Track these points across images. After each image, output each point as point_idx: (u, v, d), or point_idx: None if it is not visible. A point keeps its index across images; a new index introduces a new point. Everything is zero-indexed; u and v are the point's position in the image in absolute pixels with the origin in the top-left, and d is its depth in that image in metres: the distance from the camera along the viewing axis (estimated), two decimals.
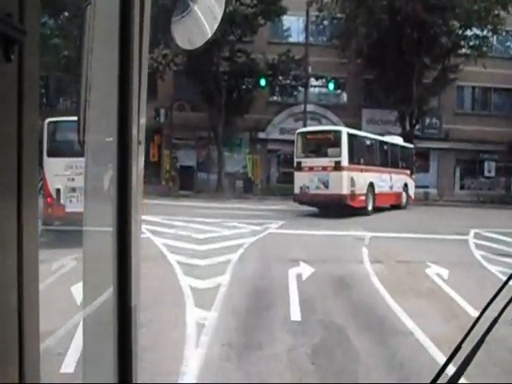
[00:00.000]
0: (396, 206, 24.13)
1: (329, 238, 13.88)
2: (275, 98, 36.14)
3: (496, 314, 1.25)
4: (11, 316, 0.78)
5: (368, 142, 22.73)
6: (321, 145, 20.02)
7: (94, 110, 1.09)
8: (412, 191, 26.82)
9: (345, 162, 19.23)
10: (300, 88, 34.47)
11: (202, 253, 10.82)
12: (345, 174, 19.17)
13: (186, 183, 32.05)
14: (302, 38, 34.84)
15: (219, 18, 1.20)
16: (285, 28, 36.86)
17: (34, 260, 0.83)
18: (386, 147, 24.29)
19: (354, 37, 30.77)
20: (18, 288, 0.79)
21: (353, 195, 19.47)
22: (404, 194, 25.38)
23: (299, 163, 20.15)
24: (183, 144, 34.65)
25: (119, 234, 1.01)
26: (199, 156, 35.15)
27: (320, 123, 34.40)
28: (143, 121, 1.13)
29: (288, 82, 34.45)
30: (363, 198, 20.33)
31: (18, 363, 0.79)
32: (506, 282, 1.30)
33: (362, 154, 21.30)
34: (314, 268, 9.43)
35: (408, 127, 32.06)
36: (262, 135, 34.64)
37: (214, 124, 32.50)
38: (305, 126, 31.47)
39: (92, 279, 1.17)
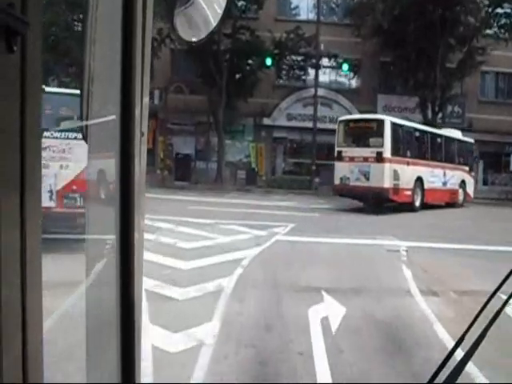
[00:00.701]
0: (451, 205, 22.51)
1: (356, 248, 10.82)
2: (282, 81, 32.95)
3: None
4: (14, 315, 0.77)
5: (417, 134, 21.21)
6: (363, 134, 19.03)
7: (97, 102, 1.10)
8: (471, 189, 24.90)
9: (387, 153, 18.18)
10: (309, 70, 31.35)
11: (184, 275, 7.77)
12: (387, 165, 18.10)
13: (182, 173, 28.94)
14: (311, 16, 31.64)
15: (222, 9, 1.18)
16: (293, 5, 33.62)
17: (36, 259, 0.83)
18: (439, 140, 22.64)
19: (371, 14, 27.62)
20: (21, 286, 0.78)
21: (396, 189, 18.40)
22: (461, 192, 23.70)
23: (340, 152, 19.28)
24: (180, 130, 31.60)
25: (122, 229, 1.00)
26: (198, 143, 32.09)
27: (331, 109, 31.42)
28: (146, 112, 1.10)
29: (296, 62, 31.32)
30: (409, 193, 19.20)
31: (21, 363, 0.79)
32: (506, 279, 1.25)
33: (410, 146, 20.01)
34: (344, 305, 6.41)
35: (430, 115, 28.84)
36: (267, 121, 31.52)
37: (215, 108, 29.39)
38: (315, 111, 28.42)
39: (94, 277, 1.15)
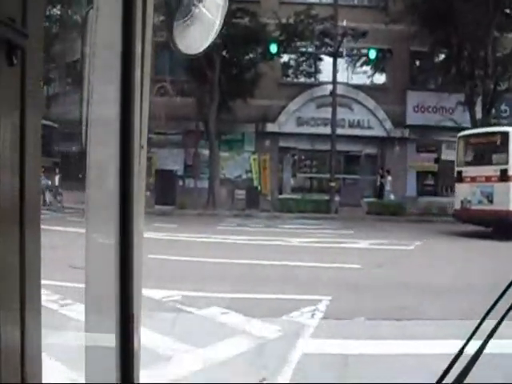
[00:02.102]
0: None
1: None
2: (289, 76, 26.93)
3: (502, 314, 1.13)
4: (13, 316, 0.79)
5: None
6: (484, 150, 17.08)
7: (97, 115, 1.10)
8: None
9: None
10: (323, 63, 25.33)
11: None
12: None
13: (165, 193, 22.64)
14: None
15: (221, 23, 1.19)
16: None
17: (36, 262, 0.85)
18: None
19: None
20: (20, 287, 0.79)
21: None
22: None
23: (460, 173, 17.59)
24: (165, 140, 25.55)
25: (121, 240, 1.02)
26: (187, 156, 25.98)
27: (350, 110, 25.33)
28: (145, 125, 1.14)
29: (307, 53, 25.34)
30: None
31: (20, 364, 0.80)
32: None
33: None
34: None
35: (480, 115, 22.64)
36: (271, 127, 25.42)
37: (206, 112, 23.30)
38: (334, 112, 22.27)
39: (95, 283, 1.13)
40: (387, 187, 24.43)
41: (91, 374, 1.10)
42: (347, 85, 25.62)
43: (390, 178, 24.37)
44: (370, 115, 25.53)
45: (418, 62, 26.57)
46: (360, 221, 20.00)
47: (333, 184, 22.14)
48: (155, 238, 11.72)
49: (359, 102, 25.57)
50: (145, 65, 1.09)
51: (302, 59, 26.36)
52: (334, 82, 22.56)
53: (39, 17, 0.84)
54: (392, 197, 23.84)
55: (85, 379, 1.09)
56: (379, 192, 24.77)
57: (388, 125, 25.61)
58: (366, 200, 23.46)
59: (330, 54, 22.89)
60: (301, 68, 26.70)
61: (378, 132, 25.76)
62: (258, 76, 23.79)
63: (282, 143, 25.99)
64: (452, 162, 27.76)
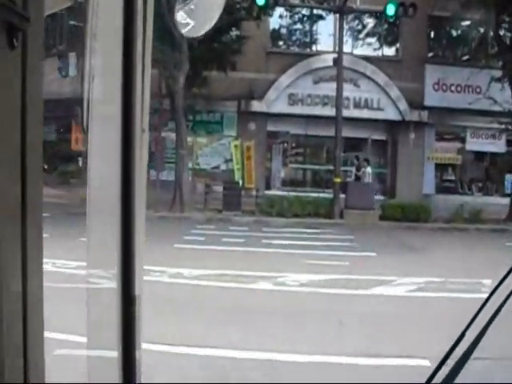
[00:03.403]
0: None
1: None
2: (281, 43, 21.85)
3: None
4: (15, 316, 0.79)
5: None
6: None
7: (97, 98, 1.06)
8: None
9: None
10: (324, 24, 20.29)
11: None
12: None
13: None
14: None
15: (222, 6, 1.19)
16: None
17: (38, 261, 0.85)
18: None
19: None
20: (23, 286, 0.80)
21: None
22: None
23: None
24: None
25: (123, 223, 0.99)
26: (150, 143, 20.80)
27: (356, 87, 20.43)
28: (147, 109, 1.09)
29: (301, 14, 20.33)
30: None
31: (22, 363, 0.80)
32: (506, 276, 1.18)
33: None
34: None
35: None
36: (257, 107, 20.34)
37: (172, 86, 17.99)
38: (339, 88, 17.37)
39: (95, 273, 1.15)
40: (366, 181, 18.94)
41: (93, 373, 1.08)
42: (352, 55, 20.57)
43: (369, 169, 18.78)
44: (381, 93, 20.51)
45: (438, 29, 21.56)
46: (376, 231, 15.09)
47: (338, 180, 17.10)
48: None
49: (367, 77, 20.53)
50: (146, 46, 1.06)
51: (296, 19, 21.26)
52: (340, 47, 17.46)
53: (40, 0, 0.85)
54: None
55: (87, 379, 1.04)
56: None
57: (402, 105, 20.62)
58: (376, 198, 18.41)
59: (334, 10, 17.75)
60: (295, 32, 21.60)
61: (389, 114, 20.77)
62: (241, 40, 18.78)
63: (271, 126, 20.90)
64: (479, 153, 23.22)
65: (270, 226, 14.97)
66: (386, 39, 22.01)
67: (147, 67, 1.06)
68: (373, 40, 21.87)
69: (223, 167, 21.14)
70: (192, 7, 1.16)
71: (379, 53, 21.79)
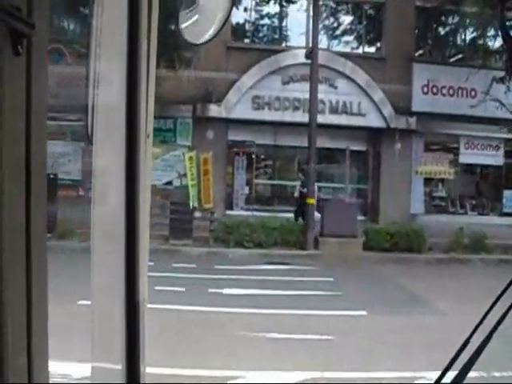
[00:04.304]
0: None
1: None
2: (243, 38, 18.74)
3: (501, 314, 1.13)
4: (20, 315, 0.79)
5: None
6: None
7: (102, 103, 1.07)
8: None
9: None
10: (294, 15, 17.27)
11: None
12: None
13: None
14: None
15: (228, 12, 1.14)
16: None
17: (42, 257, 0.85)
18: None
19: None
20: (27, 286, 0.79)
21: None
22: None
23: None
24: (58, 130, 17.06)
25: (128, 227, 1.00)
26: (84, 152, 17.41)
27: (333, 88, 17.40)
28: (151, 115, 1.11)
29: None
30: None
31: (26, 363, 0.80)
32: (511, 283, 1.15)
33: None
34: None
35: None
36: (216, 111, 17.10)
37: None
38: (312, 91, 14.26)
39: (100, 277, 1.11)
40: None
41: (97, 374, 1.08)
42: (328, 51, 17.53)
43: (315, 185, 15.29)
44: (361, 96, 17.48)
45: (427, 22, 18.67)
46: (361, 268, 11.93)
47: (311, 201, 13.82)
48: None
49: (346, 76, 17.45)
50: (151, 51, 1.07)
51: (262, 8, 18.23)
52: (315, 41, 14.30)
53: (45, 6, 0.85)
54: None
55: (90, 379, 1.05)
56: (298, 208, 15.88)
57: (387, 110, 17.61)
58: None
59: None
60: (261, 23, 18.53)
61: (371, 121, 17.74)
62: None
63: (232, 135, 17.65)
64: (473, 166, 20.34)
65: (224, 262, 11.67)
66: (368, 33, 19.05)
67: (151, 73, 1.07)
68: (351, 36, 18.92)
69: (176, 183, 17.79)
70: (196, 13, 1.12)
71: (360, 50, 18.82)
